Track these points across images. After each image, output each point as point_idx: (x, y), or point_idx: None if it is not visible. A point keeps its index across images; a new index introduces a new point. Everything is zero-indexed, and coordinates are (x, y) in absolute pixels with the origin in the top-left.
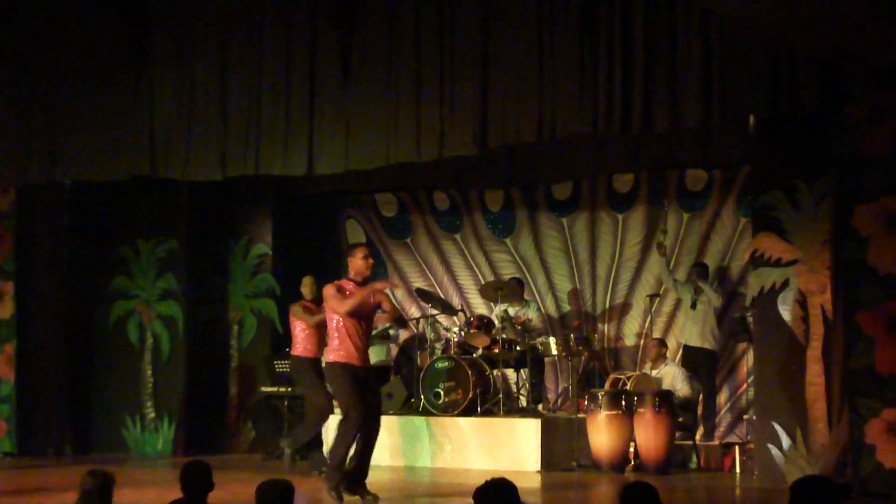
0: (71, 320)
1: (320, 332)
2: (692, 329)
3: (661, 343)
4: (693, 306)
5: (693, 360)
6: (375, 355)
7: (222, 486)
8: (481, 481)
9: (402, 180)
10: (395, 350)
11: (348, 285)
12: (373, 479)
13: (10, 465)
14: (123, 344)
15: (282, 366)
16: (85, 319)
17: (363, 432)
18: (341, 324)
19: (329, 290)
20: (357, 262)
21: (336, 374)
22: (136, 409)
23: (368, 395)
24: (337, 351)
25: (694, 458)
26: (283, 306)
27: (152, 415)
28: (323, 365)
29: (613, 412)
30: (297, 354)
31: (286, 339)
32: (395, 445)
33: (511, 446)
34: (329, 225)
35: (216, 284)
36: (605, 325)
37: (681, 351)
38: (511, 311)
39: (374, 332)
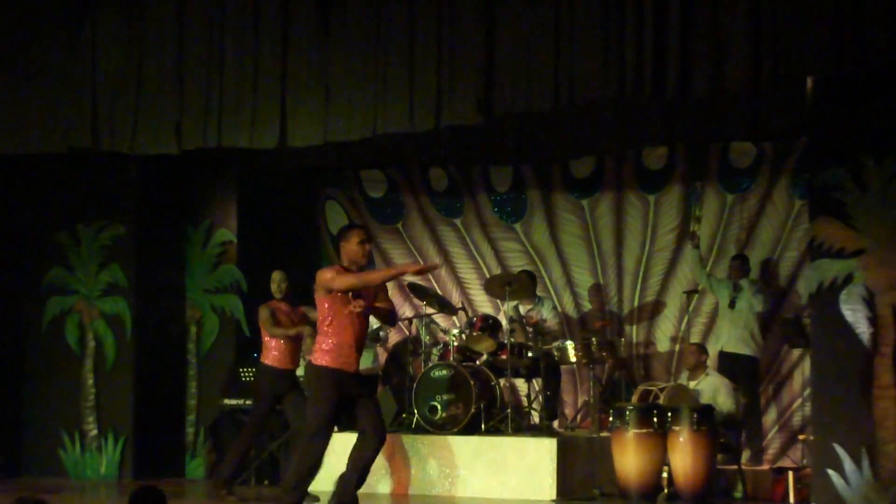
0: None
1: (296, 342)
2: (731, 332)
3: (701, 349)
4: (731, 305)
5: (731, 368)
6: (360, 361)
7: None
8: None
9: (391, 155)
10: (383, 355)
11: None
12: None
13: None
14: (60, 348)
15: (248, 374)
16: (13, 319)
17: (362, 450)
18: (334, 320)
19: (327, 274)
20: (351, 248)
21: (320, 379)
22: (75, 425)
23: (363, 405)
24: (327, 352)
25: (740, 486)
26: (251, 304)
27: (94, 432)
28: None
29: (643, 430)
30: (268, 364)
31: (254, 342)
32: (382, 469)
33: (521, 471)
34: (305, 208)
35: (171, 278)
36: (634, 327)
37: (717, 358)
38: (521, 310)
39: None
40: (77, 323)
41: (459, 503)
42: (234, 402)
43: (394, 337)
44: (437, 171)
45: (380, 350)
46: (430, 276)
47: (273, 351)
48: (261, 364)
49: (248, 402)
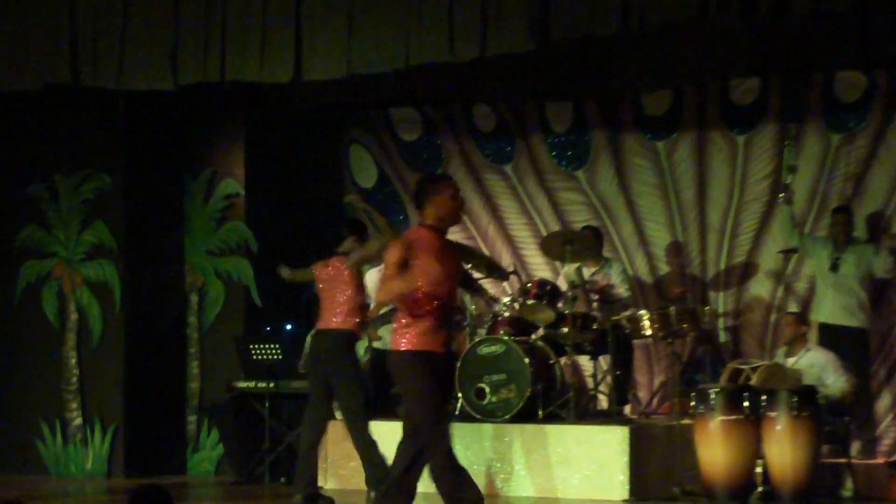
0: None
1: None
2: (834, 300)
3: (801, 319)
4: (834, 268)
5: (835, 343)
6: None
7: None
8: None
9: (428, 90)
10: None
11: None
12: None
13: None
14: (35, 321)
15: (260, 352)
16: None
17: (417, 448)
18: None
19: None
20: (444, 202)
21: (415, 367)
22: (56, 413)
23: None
24: (418, 335)
25: (849, 483)
26: (262, 268)
27: (78, 421)
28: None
29: (732, 417)
30: (340, 328)
31: (267, 313)
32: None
33: (587, 466)
34: (325, 153)
35: (167, 237)
36: (720, 294)
37: (817, 331)
38: (585, 274)
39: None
40: (56, 292)
41: None
42: (244, 384)
43: None
44: (483, 109)
45: None
46: (477, 235)
47: (350, 311)
48: (332, 332)
49: (260, 384)
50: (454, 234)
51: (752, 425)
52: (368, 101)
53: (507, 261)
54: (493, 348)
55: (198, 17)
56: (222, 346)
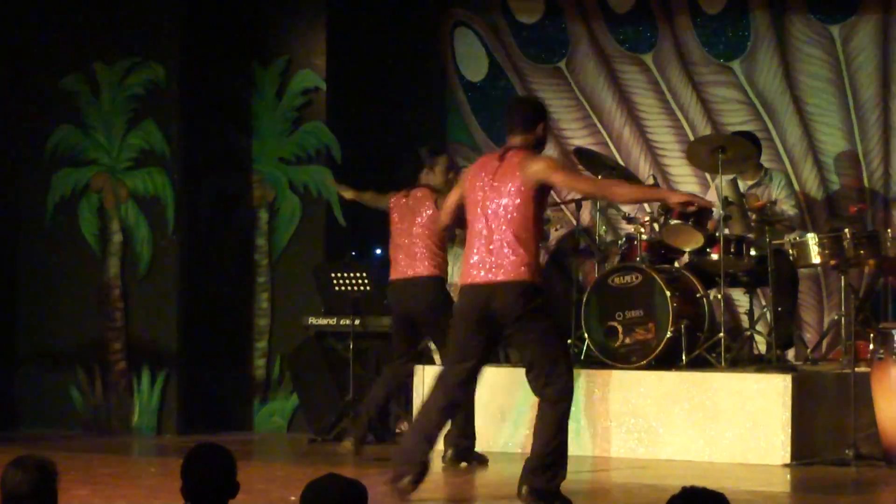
0: None
1: None
2: None
3: None
4: None
5: None
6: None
7: (251, 486)
8: (688, 483)
9: None
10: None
11: None
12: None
13: None
14: (71, 244)
15: (345, 281)
16: (3, 203)
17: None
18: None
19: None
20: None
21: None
22: (96, 356)
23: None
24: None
25: None
26: (347, 179)
27: (122, 365)
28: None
29: None
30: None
31: (352, 235)
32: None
33: (741, 422)
34: (425, 38)
35: (231, 141)
36: None
37: None
38: (741, 188)
39: None
40: (96, 208)
41: (651, 469)
42: (323, 321)
43: (554, 233)
44: None
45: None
46: (609, 139)
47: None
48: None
49: (343, 321)
50: (582, 140)
51: None
52: None
53: (644, 171)
54: (627, 279)
55: None
56: (298, 275)
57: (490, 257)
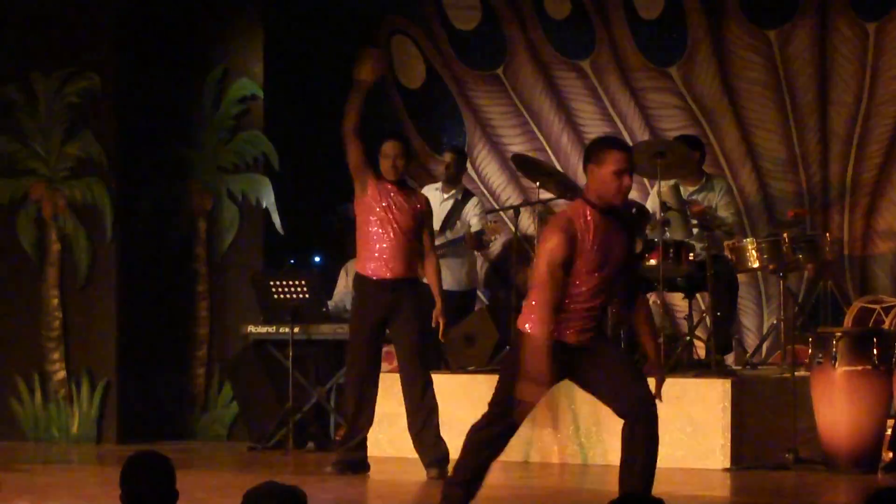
0: None
1: None
2: None
3: None
4: None
5: None
6: (451, 275)
7: (190, 495)
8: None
9: None
10: (482, 266)
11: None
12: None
13: None
14: (8, 254)
15: (284, 289)
16: None
17: None
18: None
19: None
20: (604, 176)
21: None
22: (34, 365)
23: None
24: None
25: None
26: (285, 187)
27: (61, 375)
28: None
29: (859, 368)
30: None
31: (290, 242)
32: None
33: (682, 428)
34: (363, 46)
35: (169, 150)
36: (845, 218)
37: None
38: (682, 194)
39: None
40: (34, 217)
41: (591, 474)
42: (262, 330)
43: (496, 240)
44: None
45: (477, 258)
46: (547, 145)
47: None
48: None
49: (283, 330)
50: (520, 146)
51: (881, 378)
52: None
53: (583, 179)
54: None
55: None
56: (236, 284)
57: None
